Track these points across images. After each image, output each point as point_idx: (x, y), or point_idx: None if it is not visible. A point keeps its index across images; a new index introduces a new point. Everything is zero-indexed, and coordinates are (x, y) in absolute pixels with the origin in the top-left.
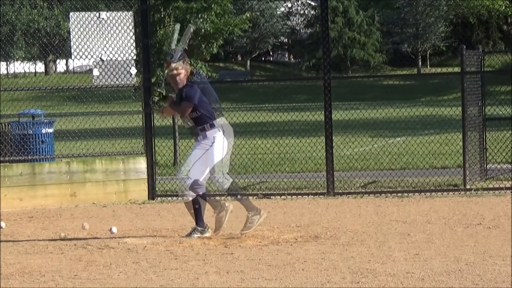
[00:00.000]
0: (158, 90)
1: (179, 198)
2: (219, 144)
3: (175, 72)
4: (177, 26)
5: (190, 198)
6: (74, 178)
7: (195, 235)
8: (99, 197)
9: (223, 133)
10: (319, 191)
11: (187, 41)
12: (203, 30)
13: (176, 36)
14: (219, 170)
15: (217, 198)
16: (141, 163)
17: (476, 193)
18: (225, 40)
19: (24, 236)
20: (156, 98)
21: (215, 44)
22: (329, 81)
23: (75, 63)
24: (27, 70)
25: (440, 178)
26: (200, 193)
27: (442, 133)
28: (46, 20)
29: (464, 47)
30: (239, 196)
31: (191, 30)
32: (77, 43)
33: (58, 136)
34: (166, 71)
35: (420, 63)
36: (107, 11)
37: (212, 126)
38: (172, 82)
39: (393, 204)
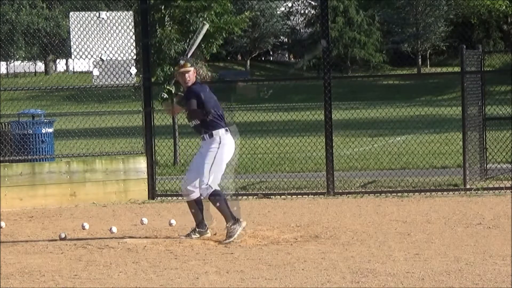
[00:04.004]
0: (167, 87)
1: (175, 198)
2: (227, 145)
3: (183, 70)
4: (205, 27)
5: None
6: (74, 178)
7: (194, 236)
8: (99, 197)
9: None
10: (319, 191)
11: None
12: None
13: (201, 37)
14: (206, 176)
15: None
16: (141, 163)
17: (476, 193)
18: (225, 39)
19: (24, 236)
20: (165, 95)
21: (215, 43)
22: (329, 81)
23: (75, 63)
24: (27, 70)
25: (440, 178)
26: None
27: (442, 133)
28: (46, 20)
29: (464, 46)
30: (218, 204)
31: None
32: (77, 43)
33: (58, 135)
34: (176, 68)
35: (420, 63)
36: (107, 11)
37: (220, 127)
38: (181, 80)
39: (393, 204)
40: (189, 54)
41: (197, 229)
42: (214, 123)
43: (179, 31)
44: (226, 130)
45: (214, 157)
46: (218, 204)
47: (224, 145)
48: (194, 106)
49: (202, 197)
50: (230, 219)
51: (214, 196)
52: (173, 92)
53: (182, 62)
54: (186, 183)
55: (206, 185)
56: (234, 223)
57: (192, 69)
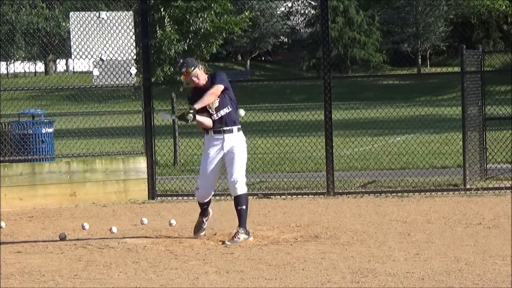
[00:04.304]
0: (191, 110)
1: (175, 198)
2: (245, 143)
3: (189, 77)
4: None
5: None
6: (74, 178)
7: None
8: (99, 196)
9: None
10: (319, 191)
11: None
12: (202, 30)
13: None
14: (243, 173)
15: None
16: (141, 163)
17: (476, 193)
18: (225, 39)
19: (24, 236)
20: (191, 117)
21: (215, 43)
22: (329, 80)
23: (75, 63)
24: (27, 70)
25: (440, 178)
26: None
27: (442, 133)
28: (46, 20)
29: (464, 46)
30: (244, 207)
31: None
32: (77, 43)
33: (58, 135)
34: (182, 78)
35: (420, 63)
36: (107, 11)
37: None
38: (193, 84)
39: (393, 204)
40: (185, 62)
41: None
42: (236, 118)
43: (179, 31)
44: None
45: (245, 156)
46: (244, 206)
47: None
48: (219, 90)
49: (237, 194)
50: (245, 225)
51: (243, 197)
52: (196, 110)
53: (183, 70)
54: (206, 190)
55: (243, 182)
56: (245, 232)
57: (195, 70)
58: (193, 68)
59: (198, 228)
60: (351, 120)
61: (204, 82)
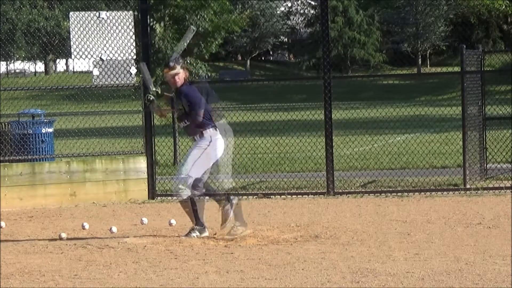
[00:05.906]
0: (154, 89)
1: (175, 198)
2: (216, 144)
3: (173, 72)
4: (192, 31)
5: (184, 197)
6: (74, 178)
7: (194, 235)
8: (99, 196)
9: (223, 134)
10: (319, 191)
11: (187, 43)
12: (201, 29)
13: (187, 41)
14: (223, 170)
15: (220, 194)
16: (141, 163)
17: (476, 192)
18: (225, 39)
19: (24, 235)
20: (151, 97)
21: (214, 43)
22: (329, 80)
23: (75, 62)
24: (27, 70)
25: (440, 177)
26: (197, 194)
27: (442, 132)
28: (46, 20)
29: (464, 46)
30: (234, 202)
31: (192, 32)
32: (77, 43)
33: (58, 135)
34: (165, 70)
35: (420, 63)
36: (107, 11)
37: (209, 127)
38: (171, 82)
39: (393, 204)
40: (176, 58)
41: (196, 227)
42: (203, 124)
43: (178, 31)
44: (215, 129)
45: (201, 153)
46: (187, 209)
47: (213, 144)
48: (201, 115)
49: (180, 188)
50: (199, 223)
51: (186, 200)
52: (159, 93)
53: (171, 64)
54: (176, 182)
55: (186, 175)
56: (199, 229)
57: (181, 71)
58: (180, 67)
59: (188, 234)
60: (351, 120)
61: (179, 86)
